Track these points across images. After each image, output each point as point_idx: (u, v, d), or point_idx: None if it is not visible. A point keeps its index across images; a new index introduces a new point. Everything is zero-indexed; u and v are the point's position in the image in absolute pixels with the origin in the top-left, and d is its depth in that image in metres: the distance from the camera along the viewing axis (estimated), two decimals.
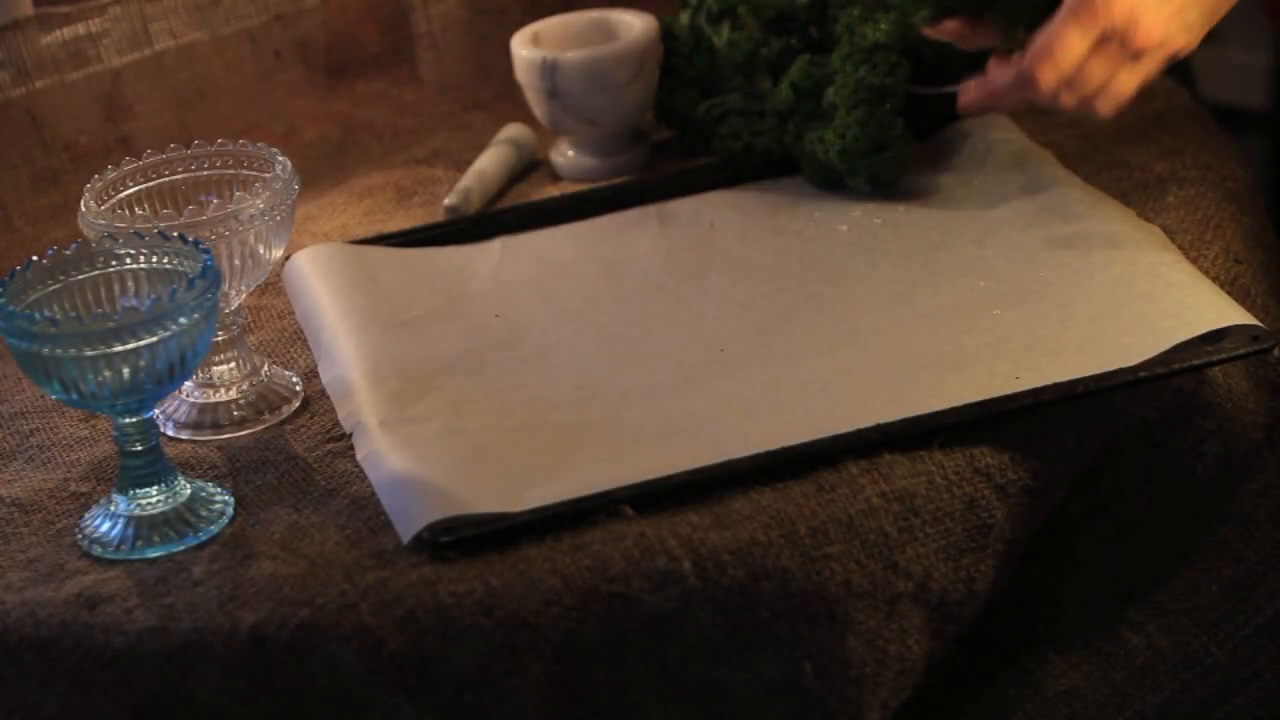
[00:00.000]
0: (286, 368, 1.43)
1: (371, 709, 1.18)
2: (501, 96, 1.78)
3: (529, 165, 1.68)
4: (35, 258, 1.28)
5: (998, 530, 1.26)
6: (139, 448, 1.27)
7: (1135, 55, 1.37)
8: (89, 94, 1.67)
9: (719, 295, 1.44)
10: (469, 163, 1.67)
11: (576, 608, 1.18)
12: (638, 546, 1.20)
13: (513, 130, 1.69)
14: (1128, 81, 1.38)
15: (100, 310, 1.28)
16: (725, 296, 1.44)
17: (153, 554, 1.26)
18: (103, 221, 1.34)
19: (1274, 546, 1.34)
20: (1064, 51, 1.36)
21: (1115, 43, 1.36)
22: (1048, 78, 1.37)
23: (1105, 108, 1.40)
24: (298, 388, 1.40)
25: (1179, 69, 1.62)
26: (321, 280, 1.48)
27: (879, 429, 1.27)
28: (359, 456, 1.31)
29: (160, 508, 1.27)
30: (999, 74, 1.42)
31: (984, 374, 1.32)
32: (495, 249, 1.53)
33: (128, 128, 1.69)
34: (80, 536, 1.28)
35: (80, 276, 1.29)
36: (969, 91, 1.45)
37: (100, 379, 1.22)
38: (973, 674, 1.33)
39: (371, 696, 1.17)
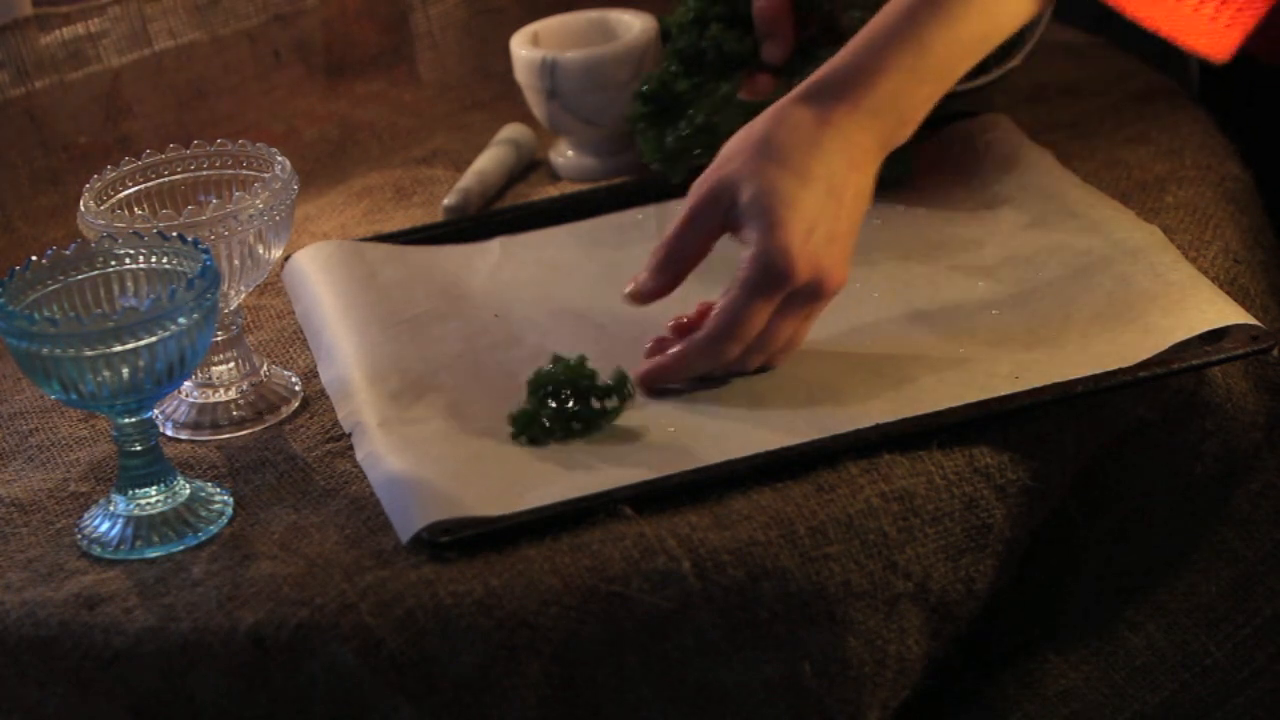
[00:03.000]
0: (286, 368, 1.43)
1: (371, 709, 1.18)
2: (501, 96, 1.78)
3: (528, 165, 1.68)
4: (34, 258, 1.28)
5: (997, 530, 1.26)
6: (138, 448, 1.27)
7: (819, 305, 1.32)
8: (88, 94, 1.67)
9: (718, 295, 1.44)
10: (469, 163, 1.67)
11: (576, 608, 1.18)
12: (637, 547, 1.20)
13: (512, 130, 1.69)
14: (805, 330, 1.34)
15: (99, 310, 1.28)
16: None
17: (152, 554, 1.26)
18: (102, 221, 1.34)
19: (1273, 546, 1.34)
20: (751, 324, 1.30)
21: (799, 299, 1.31)
22: (733, 351, 1.31)
23: (785, 360, 1.34)
24: (297, 388, 1.40)
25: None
26: (321, 280, 1.48)
27: (879, 429, 1.27)
28: (358, 457, 1.31)
29: (160, 508, 1.27)
30: (673, 352, 1.33)
31: (984, 374, 1.32)
32: (495, 249, 1.53)
33: (127, 128, 1.69)
34: (80, 536, 1.28)
35: (79, 276, 1.29)
36: (643, 369, 1.33)
37: (99, 379, 1.22)
38: (973, 674, 1.33)
39: (371, 696, 1.17)
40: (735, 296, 1.30)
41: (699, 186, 1.33)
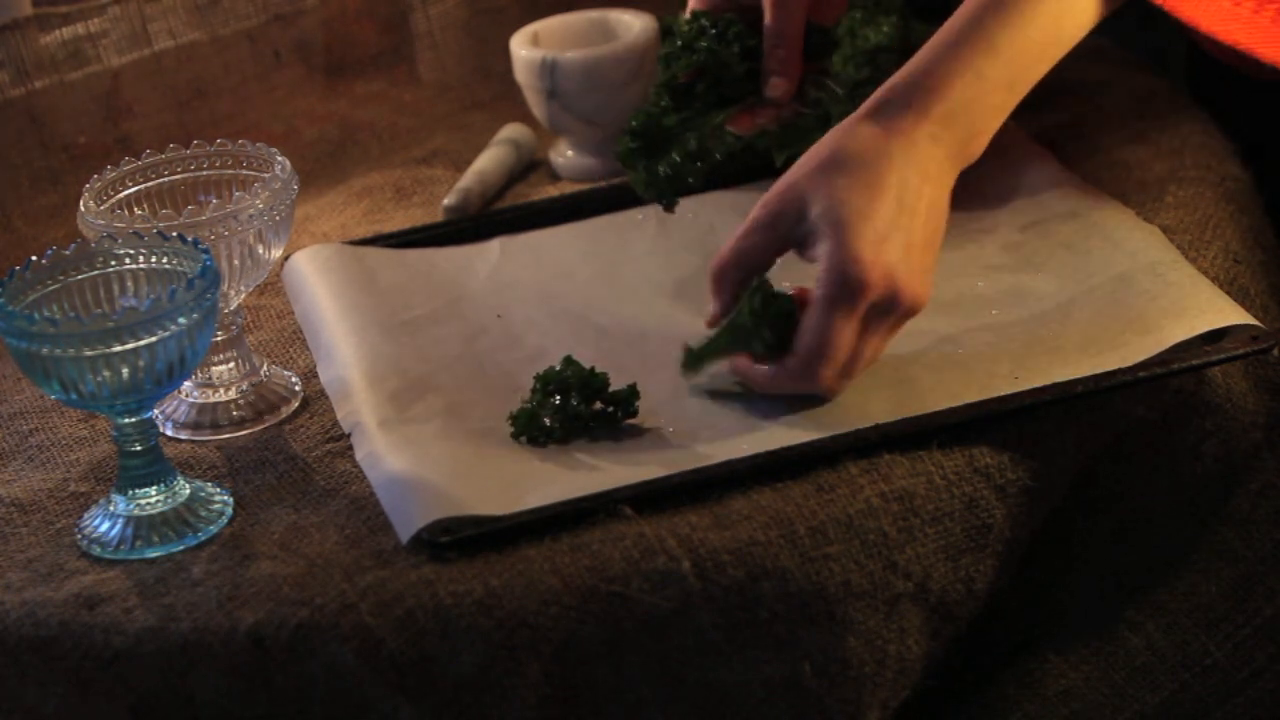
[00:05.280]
0: (286, 368, 1.43)
1: (371, 709, 1.18)
2: (501, 96, 1.78)
3: (528, 165, 1.68)
4: (34, 258, 1.28)
5: (997, 530, 1.26)
6: (138, 448, 1.27)
7: (899, 318, 1.28)
8: (88, 94, 1.67)
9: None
10: (468, 163, 1.67)
11: (576, 608, 1.18)
12: (637, 547, 1.20)
13: (512, 130, 1.69)
14: (883, 346, 1.30)
15: (99, 310, 1.28)
16: None
17: (152, 554, 1.26)
18: (102, 221, 1.34)
19: (1273, 546, 1.34)
20: (839, 341, 1.26)
21: (878, 314, 1.27)
22: (828, 375, 1.28)
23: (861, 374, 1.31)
24: (297, 388, 1.40)
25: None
26: (321, 280, 1.48)
27: (878, 429, 1.27)
28: (358, 457, 1.31)
29: (159, 508, 1.27)
30: (763, 370, 1.30)
31: (984, 374, 1.32)
32: (494, 249, 1.53)
33: (127, 128, 1.69)
34: (79, 536, 1.28)
35: (79, 277, 1.29)
36: (737, 368, 1.31)
37: (99, 379, 1.22)
38: (973, 674, 1.33)
39: (371, 696, 1.17)
40: (817, 315, 1.26)
41: (764, 202, 1.30)
